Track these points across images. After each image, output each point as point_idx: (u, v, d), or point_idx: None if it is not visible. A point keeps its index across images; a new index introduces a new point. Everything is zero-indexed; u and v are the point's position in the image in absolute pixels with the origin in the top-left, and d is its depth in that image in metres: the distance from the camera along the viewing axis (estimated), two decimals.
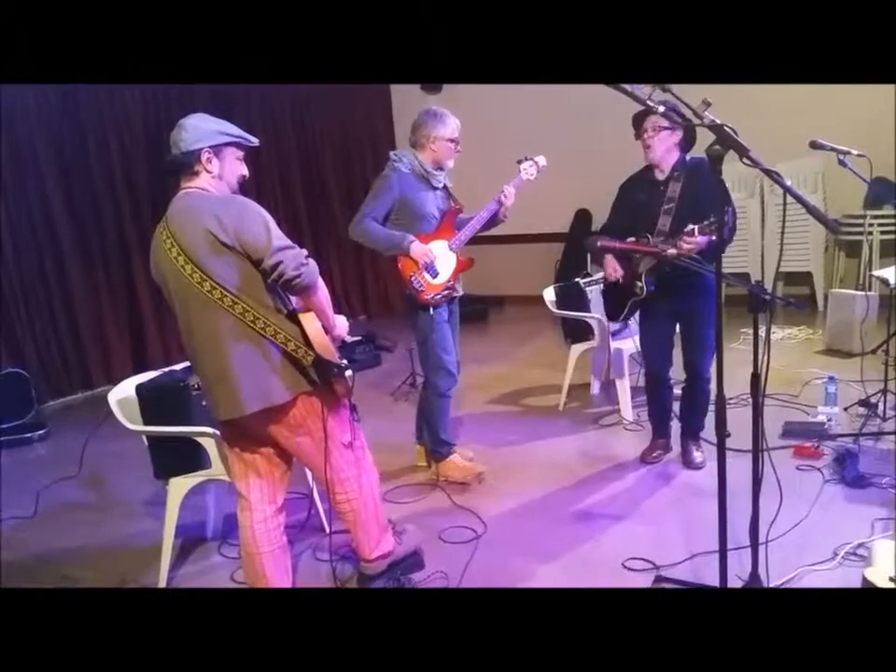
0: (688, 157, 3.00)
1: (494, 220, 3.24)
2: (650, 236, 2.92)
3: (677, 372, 3.28)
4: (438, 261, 3.12)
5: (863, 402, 3.60)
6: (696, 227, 2.64)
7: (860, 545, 2.39)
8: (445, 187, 3.23)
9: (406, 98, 7.60)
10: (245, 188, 2.18)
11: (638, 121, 2.97)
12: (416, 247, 3.05)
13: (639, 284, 3.04)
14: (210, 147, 2.04)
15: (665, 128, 2.89)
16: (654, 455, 3.38)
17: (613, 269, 3.12)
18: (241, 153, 2.14)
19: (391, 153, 3.17)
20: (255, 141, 2.16)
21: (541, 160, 3.29)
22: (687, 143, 2.99)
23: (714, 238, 2.60)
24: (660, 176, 3.01)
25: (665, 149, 2.94)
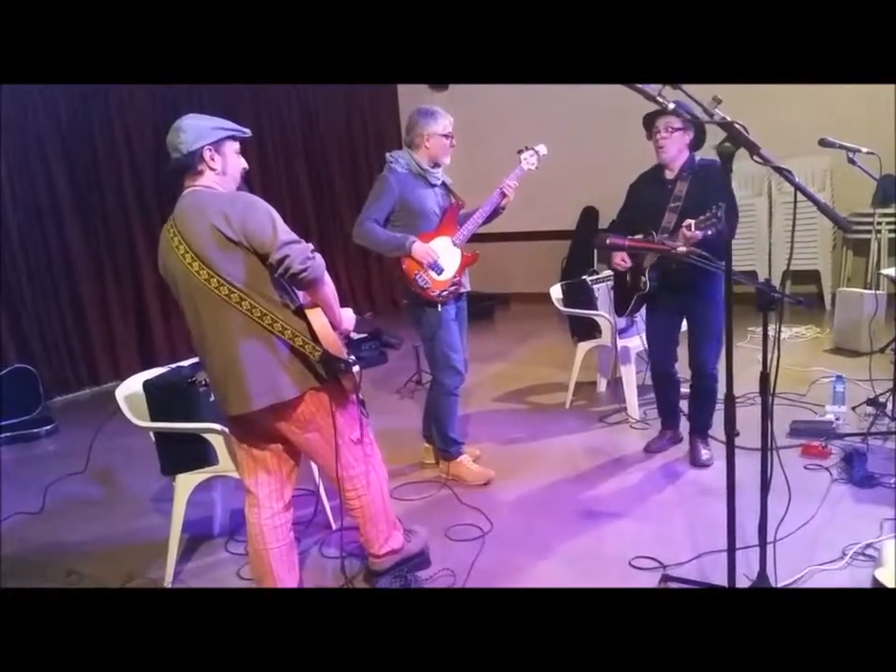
0: (698, 157, 3.02)
1: (494, 213, 3.25)
2: (654, 233, 2.95)
3: (686, 370, 3.27)
4: (442, 258, 3.11)
5: (871, 401, 3.57)
6: (693, 221, 2.66)
7: (868, 545, 2.38)
8: (444, 184, 3.23)
9: (413, 96, 7.58)
10: (251, 185, 2.18)
11: (650, 122, 2.97)
12: (418, 248, 3.04)
13: (643, 279, 3.08)
14: (210, 144, 2.03)
15: (679, 128, 2.91)
16: (660, 444, 3.44)
17: (622, 258, 3.14)
18: (238, 146, 2.14)
19: (387, 154, 3.18)
20: (247, 132, 2.15)
21: (542, 148, 3.29)
22: (697, 142, 2.99)
23: (711, 233, 2.59)
24: (669, 175, 3.04)
25: (677, 150, 2.97)
